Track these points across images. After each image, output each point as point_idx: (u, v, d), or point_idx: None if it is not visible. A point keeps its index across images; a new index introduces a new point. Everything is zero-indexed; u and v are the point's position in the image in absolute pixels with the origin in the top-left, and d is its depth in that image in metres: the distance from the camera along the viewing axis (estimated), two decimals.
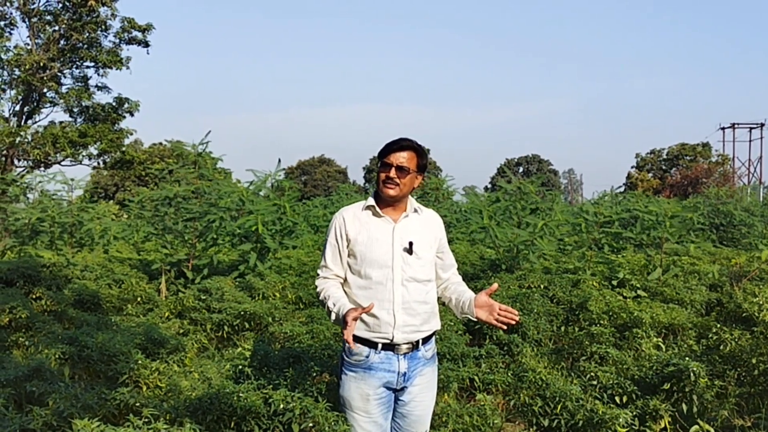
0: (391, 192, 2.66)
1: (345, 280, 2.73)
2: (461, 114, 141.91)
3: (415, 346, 2.69)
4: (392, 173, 2.65)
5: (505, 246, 8.01)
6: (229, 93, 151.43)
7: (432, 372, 2.80)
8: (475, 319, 2.72)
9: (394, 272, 2.65)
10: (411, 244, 2.67)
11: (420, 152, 2.70)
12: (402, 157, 2.66)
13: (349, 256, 2.70)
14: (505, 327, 2.66)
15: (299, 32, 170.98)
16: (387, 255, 2.65)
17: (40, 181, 10.13)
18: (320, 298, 2.70)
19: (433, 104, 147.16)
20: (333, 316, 2.59)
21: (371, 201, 2.74)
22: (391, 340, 2.64)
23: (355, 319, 2.46)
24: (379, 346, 2.64)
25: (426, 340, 2.74)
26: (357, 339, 2.63)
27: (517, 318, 2.65)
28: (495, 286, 2.74)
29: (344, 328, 2.44)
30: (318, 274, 2.77)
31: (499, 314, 2.63)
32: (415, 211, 2.78)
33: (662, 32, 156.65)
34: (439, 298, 2.88)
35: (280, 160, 9.58)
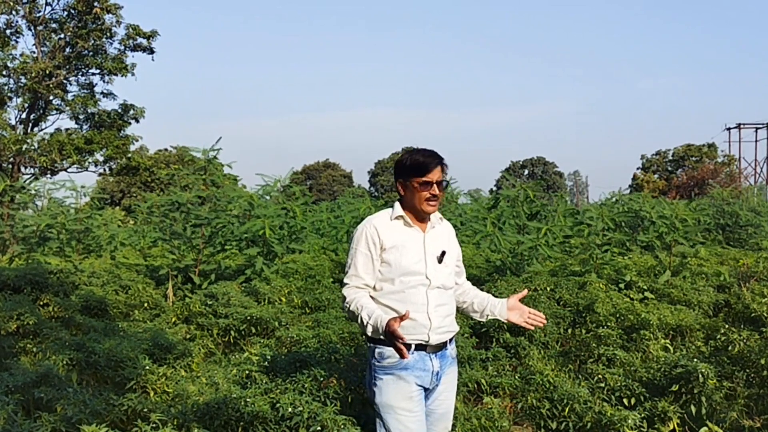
0: (433, 208, 2.75)
1: (373, 288, 2.75)
2: (466, 116, 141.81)
3: (443, 345, 2.77)
4: (436, 191, 2.71)
5: (508, 250, 8.00)
6: (233, 98, 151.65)
7: (455, 371, 2.90)
8: (504, 321, 2.91)
9: (428, 279, 2.73)
10: (443, 253, 2.77)
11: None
12: (439, 172, 2.73)
13: (381, 263, 2.72)
14: (533, 328, 2.95)
15: (302, 36, 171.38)
16: (420, 264, 2.72)
17: (50, 189, 10.17)
18: (351, 308, 2.66)
19: (437, 107, 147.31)
20: (370, 328, 2.58)
21: (400, 211, 2.77)
22: (427, 342, 2.70)
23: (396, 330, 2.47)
24: (413, 347, 2.67)
25: (451, 339, 2.84)
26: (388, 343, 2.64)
27: (545, 321, 2.89)
28: (525, 291, 3.01)
29: (395, 341, 2.44)
30: (347, 284, 2.74)
31: (529, 317, 2.86)
32: (439, 221, 2.88)
33: (666, 33, 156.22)
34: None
35: (293, 168, 9.81)
